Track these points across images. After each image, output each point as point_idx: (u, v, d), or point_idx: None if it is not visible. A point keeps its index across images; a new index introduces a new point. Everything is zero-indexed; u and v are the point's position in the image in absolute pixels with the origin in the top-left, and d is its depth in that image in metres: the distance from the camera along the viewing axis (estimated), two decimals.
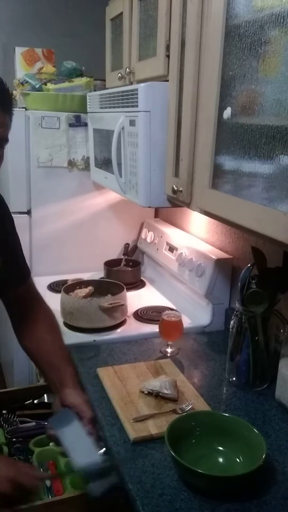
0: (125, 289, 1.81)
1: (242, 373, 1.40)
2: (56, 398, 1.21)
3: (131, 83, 1.79)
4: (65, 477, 1.15)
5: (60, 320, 1.77)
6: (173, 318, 1.58)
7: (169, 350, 1.60)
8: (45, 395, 1.47)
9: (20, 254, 1.33)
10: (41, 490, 1.09)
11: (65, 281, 2.03)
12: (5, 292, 1.32)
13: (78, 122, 2.18)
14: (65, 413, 1.15)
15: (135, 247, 2.39)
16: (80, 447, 1.08)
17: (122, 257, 2.33)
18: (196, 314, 1.83)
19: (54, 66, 2.41)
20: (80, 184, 2.26)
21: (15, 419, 1.36)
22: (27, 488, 0.98)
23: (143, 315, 1.86)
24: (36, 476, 1.02)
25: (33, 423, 1.35)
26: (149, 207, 1.64)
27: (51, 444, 1.26)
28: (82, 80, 2.22)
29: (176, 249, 1.98)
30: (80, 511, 1.07)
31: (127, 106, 1.60)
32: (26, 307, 1.34)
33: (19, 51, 2.46)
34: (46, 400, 1.47)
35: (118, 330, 1.74)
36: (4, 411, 1.38)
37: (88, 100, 2.13)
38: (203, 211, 1.30)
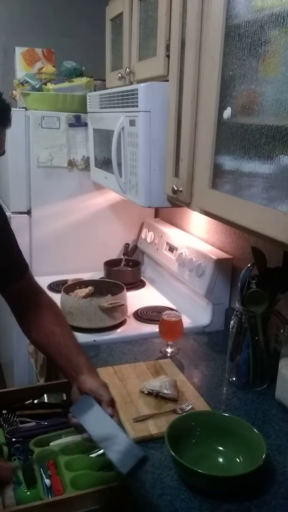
0: (125, 289, 1.81)
1: (242, 373, 1.40)
2: (73, 387, 1.21)
3: (131, 83, 1.79)
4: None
5: None
6: (173, 318, 1.58)
7: (169, 350, 1.60)
8: (45, 395, 1.47)
9: (16, 249, 1.33)
10: (13, 481, 1.10)
11: (65, 281, 2.03)
12: (5, 288, 1.32)
13: (78, 122, 2.18)
14: (85, 399, 1.13)
15: (135, 247, 2.39)
16: (104, 432, 1.05)
17: (122, 257, 2.33)
18: (196, 314, 1.83)
19: (54, 66, 2.41)
20: (80, 184, 2.26)
21: (15, 419, 1.35)
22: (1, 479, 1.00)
23: (143, 315, 1.86)
24: (7, 467, 1.03)
25: (33, 423, 1.34)
26: (149, 207, 1.64)
27: (51, 444, 1.26)
28: (82, 80, 2.23)
29: (176, 249, 1.98)
30: (80, 511, 1.07)
31: (127, 106, 1.60)
32: (28, 300, 1.34)
33: (19, 51, 2.46)
34: (46, 400, 1.46)
35: (118, 330, 1.74)
36: (4, 411, 1.38)
37: (88, 100, 2.13)
38: (203, 211, 1.30)
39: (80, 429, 1.10)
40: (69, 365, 1.22)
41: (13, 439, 1.28)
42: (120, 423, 1.09)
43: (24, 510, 1.02)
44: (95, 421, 1.07)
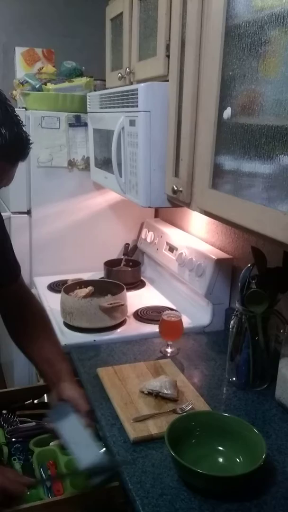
0: (125, 289, 1.81)
1: (242, 373, 1.40)
2: (52, 392, 1.22)
3: (131, 83, 1.79)
4: (63, 479, 1.15)
5: (60, 320, 1.78)
6: (173, 318, 1.58)
7: (169, 350, 1.60)
8: (45, 395, 1.47)
9: (10, 252, 1.33)
10: (26, 495, 1.10)
11: (65, 281, 2.03)
12: None
13: (78, 122, 2.18)
14: (62, 406, 1.16)
15: (135, 247, 2.39)
16: (79, 440, 1.09)
17: (122, 257, 2.33)
18: (196, 314, 1.83)
19: (54, 66, 2.41)
20: (80, 184, 2.26)
21: (15, 419, 1.35)
22: (14, 494, 1.00)
23: (143, 315, 1.86)
24: (23, 483, 1.03)
25: (33, 423, 1.34)
26: (149, 207, 1.64)
27: (51, 444, 1.26)
28: (82, 80, 2.23)
29: (176, 249, 1.98)
30: (80, 511, 1.07)
31: (127, 106, 1.60)
32: (18, 305, 1.35)
33: (19, 51, 2.46)
34: (46, 400, 1.47)
35: (118, 330, 1.74)
36: (4, 411, 1.38)
37: (88, 100, 2.13)
38: (203, 211, 1.30)
39: (54, 435, 1.13)
40: (51, 370, 1.24)
41: (13, 439, 1.28)
42: (93, 435, 1.12)
43: (24, 510, 1.02)
44: (70, 429, 1.10)
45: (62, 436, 1.10)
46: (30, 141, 0.94)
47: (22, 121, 0.93)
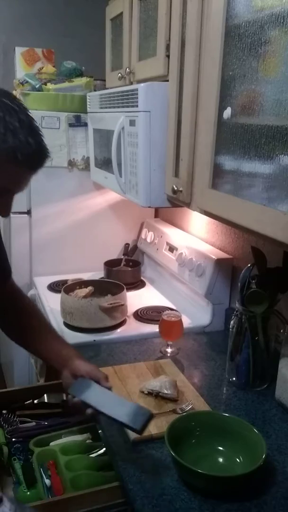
0: (125, 289, 1.81)
1: (242, 373, 1.40)
2: (65, 372, 1.23)
3: (131, 83, 1.79)
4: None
5: (60, 320, 1.78)
6: (173, 318, 1.58)
7: (169, 350, 1.60)
8: (45, 395, 1.47)
9: (4, 255, 1.34)
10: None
11: (65, 281, 2.03)
12: None
13: (78, 122, 2.18)
14: (81, 381, 1.19)
15: (135, 247, 2.39)
16: (109, 403, 1.12)
17: (122, 257, 2.33)
18: (196, 314, 1.83)
19: (54, 66, 2.41)
20: (80, 184, 2.26)
21: (15, 419, 1.36)
22: None
23: (143, 315, 1.86)
24: None
25: (33, 423, 1.34)
26: (149, 207, 1.64)
27: (51, 444, 1.26)
28: (82, 80, 2.23)
29: (176, 249, 1.98)
30: (80, 511, 1.07)
31: (127, 106, 1.60)
32: (13, 304, 1.36)
33: (19, 51, 2.46)
34: (46, 400, 1.47)
35: (118, 330, 1.74)
36: (4, 411, 1.38)
37: (88, 100, 2.13)
38: (203, 211, 1.30)
39: (82, 408, 1.15)
40: (59, 355, 1.28)
41: (13, 439, 1.28)
42: (118, 395, 1.19)
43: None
44: (97, 395, 1.14)
45: (92, 404, 1.13)
46: (49, 150, 0.99)
47: (41, 131, 0.98)
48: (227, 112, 1.13)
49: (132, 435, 1.15)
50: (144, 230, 2.33)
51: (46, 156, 0.98)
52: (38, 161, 0.97)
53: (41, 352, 1.33)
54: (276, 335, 1.39)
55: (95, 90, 2.22)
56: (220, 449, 1.12)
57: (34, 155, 0.95)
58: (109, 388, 1.18)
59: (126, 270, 2.25)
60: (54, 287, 2.13)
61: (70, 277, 2.12)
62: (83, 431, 1.32)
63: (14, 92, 2.34)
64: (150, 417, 1.08)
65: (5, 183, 0.97)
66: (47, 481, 1.15)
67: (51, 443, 1.26)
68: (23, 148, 0.91)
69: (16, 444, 1.26)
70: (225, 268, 1.73)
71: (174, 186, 1.43)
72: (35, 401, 1.46)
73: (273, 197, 0.99)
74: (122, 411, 1.08)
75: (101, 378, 1.19)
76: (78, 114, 2.18)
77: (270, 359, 1.38)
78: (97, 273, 2.24)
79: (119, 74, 1.87)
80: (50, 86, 2.19)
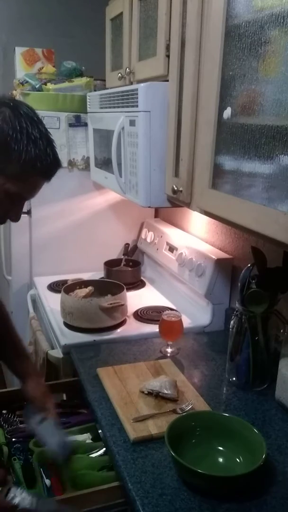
0: (125, 289, 1.81)
1: (242, 373, 1.40)
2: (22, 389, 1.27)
3: (131, 83, 1.79)
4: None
5: (60, 320, 1.78)
6: (173, 318, 1.58)
7: (169, 350, 1.60)
8: None
9: None
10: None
11: (65, 281, 2.03)
12: None
13: (78, 122, 2.18)
14: (29, 408, 1.25)
15: (135, 247, 2.39)
16: (49, 435, 1.18)
17: (122, 257, 2.33)
18: (196, 314, 1.83)
19: (54, 66, 2.41)
20: (80, 184, 2.26)
21: (15, 419, 1.35)
22: None
23: (143, 315, 1.86)
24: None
25: None
26: (149, 207, 1.64)
27: None
28: (82, 80, 2.22)
29: (176, 249, 1.98)
30: (85, 509, 1.07)
31: (127, 106, 1.60)
32: None
33: (19, 51, 2.46)
34: None
35: (118, 330, 1.74)
36: (4, 411, 1.38)
37: (88, 100, 2.13)
38: (203, 211, 1.30)
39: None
40: (16, 371, 1.30)
41: (13, 439, 1.28)
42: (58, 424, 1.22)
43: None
44: (43, 429, 1.20)
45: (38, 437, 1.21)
46: (61, 163, 1.06)
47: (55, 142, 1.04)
48: (227, 112, 1.13)
49: (132, 435, 1.15)
50: (144, 230, 2.33)
51: (60, 166, 1.04)
52: (54, 171, 1.02)
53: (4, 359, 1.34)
54: (276, 335, 1.39)
55: (95, 90, 2.22)
56: (220, 449, 1.12)
57: (51, 165, 1.00)
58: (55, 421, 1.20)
59: (126, 270, 2.25)
60: (54, 287, 2.13)
61: (70, 277, 2.11)
62: (83, 431, 1.32)
63: (14, 92, 2.34)
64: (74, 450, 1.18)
65: (21, 191, 1.01)
66: (47, 481, 1.15)
67: None
68: (43, 159, 0.96)
69: (16, 444, 1.26)
70: (225, 268, 1.73)
71: (174, 186, 1.43)
72: None
73: (273, 197, 0.99)
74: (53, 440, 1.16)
75: (46, 410, 1.21)
76: (78, 114, 2.18)
77: (270, 359, 1.38)
78: (97, 273, 2.24)
79: (119, 74, 1.87)
80: (50, 86, 2.19)
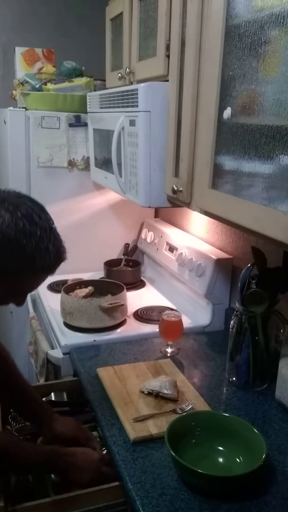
0: (125, 289, 1.81)
1: (242, 373, 1.40)
2: (44, 431, 1.24)
3: (131, 83, 1.79)
4: None
5: (60, 320, 1.78)
6: (173, 318, 1.58)
7: (169, 350, 1.60)
8: (52, 394, 1.47)
9: None
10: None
11: (65, 281, 2.03)
12: None
13: (78, 122, 2.18)
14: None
15: (135, 247, 2.39)
16: None
17: (122, 257, 2.33)
18: (196, 314, 1.83)
19: (54, 66, 2.41)
20: (80, 184, 2.26)
21: None
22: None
23: (143, 315, 1.86)
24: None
25: None
26: (149, 207, 1.64)
27: None
28: (82, 80, 2.22)
29: (176, 249, 1.98)
30: (80, 510, 1.07)
31: (127, 106, 1.60)
32: None
33: (19, 51, 2.46)
34: (53, 398, 1.47)
35: (118, 330, 1.74)
36: (12, 410, 1.38)
37: (88, 100, 2.13)
38: (203, 211, 1.30)
39: None
40: (37, 416, 1.25)
41: (21, 437, 1.28)
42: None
43: (24, 509, 1.02)
44: None
45: None
46: (66, 251, 1.04)
47: (59, 235, 1.02)
48: (227, 112, 1.13)
49: (132, 435, 1.15)
50: (144, 230, 2.33)
51: (63, 259, 1.02)
52: (55, 266, 1.00)
53: (15, 408, 1.31)
54: (276, 335, 1.39)
55: (95, 90, 2.22)
56: (220, 449, 1.12)
57: (53, 261, 0.98)
58: (94, 448, 1.19)
59: (126, 270, 2.25)
60: (54, 287, 2.13)
61: (70, 277, 2.11)
62: (93, 429, 1.32)
63: (14, 92, 2.34)
64: None
65: (23, 287, 1.01)
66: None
67: None
68: (42, 258, 0.94)
69: None
70: (225, 268, 1.73)
71: (174, 186, 1.43)
72: (43, 399, 1.45)
73: (273, 197, 0.99)
74: None
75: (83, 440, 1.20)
76: (78, 114, 2.18)
77: (270, 359, 1.38)
78: (97, 273, 2.24)
79: (119, 74, 1.86)
80: (50, 86, 2.19)
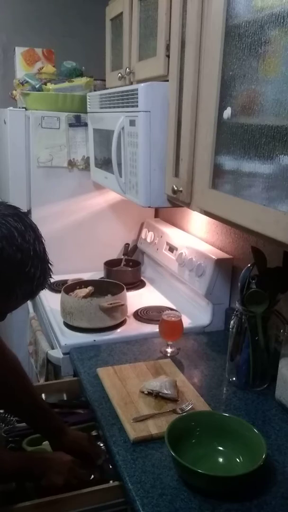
0: (125, 289, 1.81)
1: (242, 373, 1.40)
2: (54, 443, 1.23)
3: (131, 83, 1.79)
4: None
5: (60, 320, 1.78)
6: (173, 318, 1.58)
7: (169, 350, 1.60)
8: (43, 394, 1.47)
9: None
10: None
11: (65, 281, 2.03)
12: None
13: (78, 122, 2.18)
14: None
15: (135, 247, 2.39)
16: None
17: (122, 257, 2.33)
18: (196, 314, 1.83)
19: (54, 66, 2.41)
20: (80, 184, 2.26)
21: (11, 418, 1.35)
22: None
23: (143, 315, 1.86)
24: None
25: None
26: (149, 207, 1.64)
27: (44, 443, 1.26)
28: (82, 80, 2.22)
29: (176, 249, 1.98)
30: (79, 510, 1.07)
31: (127, 106, 1.60)
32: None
33: (19, 51, 2.46)
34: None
35: (118, 330, 1.74)
36: (1, 411, 1.38)
37: (88, 100, 2.13)
38: (203, 211, 1.30)
39: None
40: (53, 423, 1.23)
41: (9, 439, 1.28)
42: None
43: (21, 509, 1.02)
44: None
45: None
46: (51, 271, 0.96)
47: (47, 256, 0.94)
48: (227, 112, 1.13)
49: (132, 435, 1.15)
50: (144, 230, 2.33)
51: (47, 281, 0.95)
52: (39, 289, 0.94)
53: (25, 419, 1.29)
54: (276, 335, 1.39)
55: (95, 90, 2.22)
56: (220, 449, 1.12)
57: (34, 289, 0.92)
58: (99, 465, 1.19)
59: (126, 270, 2.25)
60: (54, 287, 2.12)
61: (70, 277, 2.11)
62: (82, 431, 1.32)
63: (14, 92, 2.34)
64: None
65: (4, 310, 0.96)
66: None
67: (44, 443, 1.26)
68: (21, 285, 0.89)
69: (10, 444, 1.27)
70: (225, 268, 1.73)
71: (174, 186, 1.43)
72: None
73: (273, 197, 0.99)
74: None
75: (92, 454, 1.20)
76: (78, 114, 2.18)
77: (270, 359, 1.38)
78: (97, 273, 2.24)
79: (119, 74, 1.87)
80: (50, 86, 2.19)
